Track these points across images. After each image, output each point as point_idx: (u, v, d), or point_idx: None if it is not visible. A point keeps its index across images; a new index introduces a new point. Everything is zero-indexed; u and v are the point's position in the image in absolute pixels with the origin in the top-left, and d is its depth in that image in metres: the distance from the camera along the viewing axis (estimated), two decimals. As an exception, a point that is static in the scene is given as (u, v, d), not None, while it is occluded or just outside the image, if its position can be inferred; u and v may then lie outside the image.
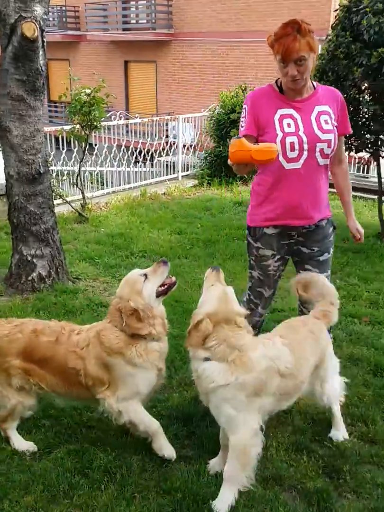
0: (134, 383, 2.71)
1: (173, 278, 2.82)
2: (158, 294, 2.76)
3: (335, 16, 6.29)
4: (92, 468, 2.74)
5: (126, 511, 2.48)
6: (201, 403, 2.74)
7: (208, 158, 10.10)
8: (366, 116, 6.18)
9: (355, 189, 8.05)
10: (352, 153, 6.87)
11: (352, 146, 6.47)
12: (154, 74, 20.37)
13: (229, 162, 2.72)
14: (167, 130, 11.99)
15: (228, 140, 9.38)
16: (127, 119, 10.59)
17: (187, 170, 10.43)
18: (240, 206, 8.17)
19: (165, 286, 2.78)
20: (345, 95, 6.11)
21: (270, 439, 2.90)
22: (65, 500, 2.54)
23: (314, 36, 2.81)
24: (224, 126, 9.55)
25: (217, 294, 2.54)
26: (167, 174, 10.09)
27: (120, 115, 9.96)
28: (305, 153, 2.92)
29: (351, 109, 5.95)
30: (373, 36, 5.56)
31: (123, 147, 9.34)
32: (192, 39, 18.59)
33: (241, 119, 3.06)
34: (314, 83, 3.06)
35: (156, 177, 9.98)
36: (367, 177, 9.76)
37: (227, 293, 2.55)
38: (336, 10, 6.36)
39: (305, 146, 2.91)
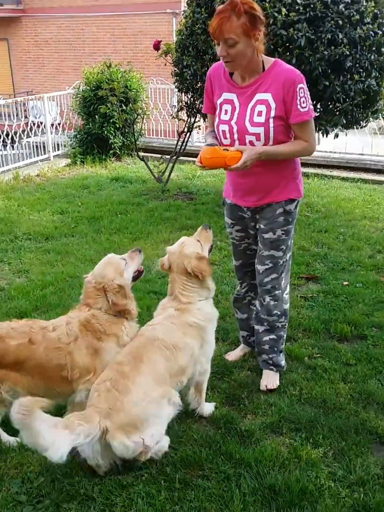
0: None
1: (142, 267, 3.05)
2: (133, 279, 2.97)
3: (190, -7, 6.63)
4: None
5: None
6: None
7: (78, 136, 10.09)
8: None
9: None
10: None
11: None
12: (7, 52, 19.45)
13: (197, 164, 2.77)
14: (26, 110, 11.71)
15: (96, 117, 9.47)
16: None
17: (58, 150, 10.35)
18: (117, 182, 8.37)
19: (136, 273, 3.00)
20: (205, 69, 6.55)
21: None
22: None
23: (258, 18, 2.57)
24: (91, 103, 9.58)
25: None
26: (38, 155, 9.93)
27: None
28: (236, 142, 2.86)
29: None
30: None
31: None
32: (44, 14, 17.99)
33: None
34: (268, 63, 2.80)
35: (26, 159, 9.79)
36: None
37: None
38: (189, -13, 6.70)
39: (235, 136, 2.86)
